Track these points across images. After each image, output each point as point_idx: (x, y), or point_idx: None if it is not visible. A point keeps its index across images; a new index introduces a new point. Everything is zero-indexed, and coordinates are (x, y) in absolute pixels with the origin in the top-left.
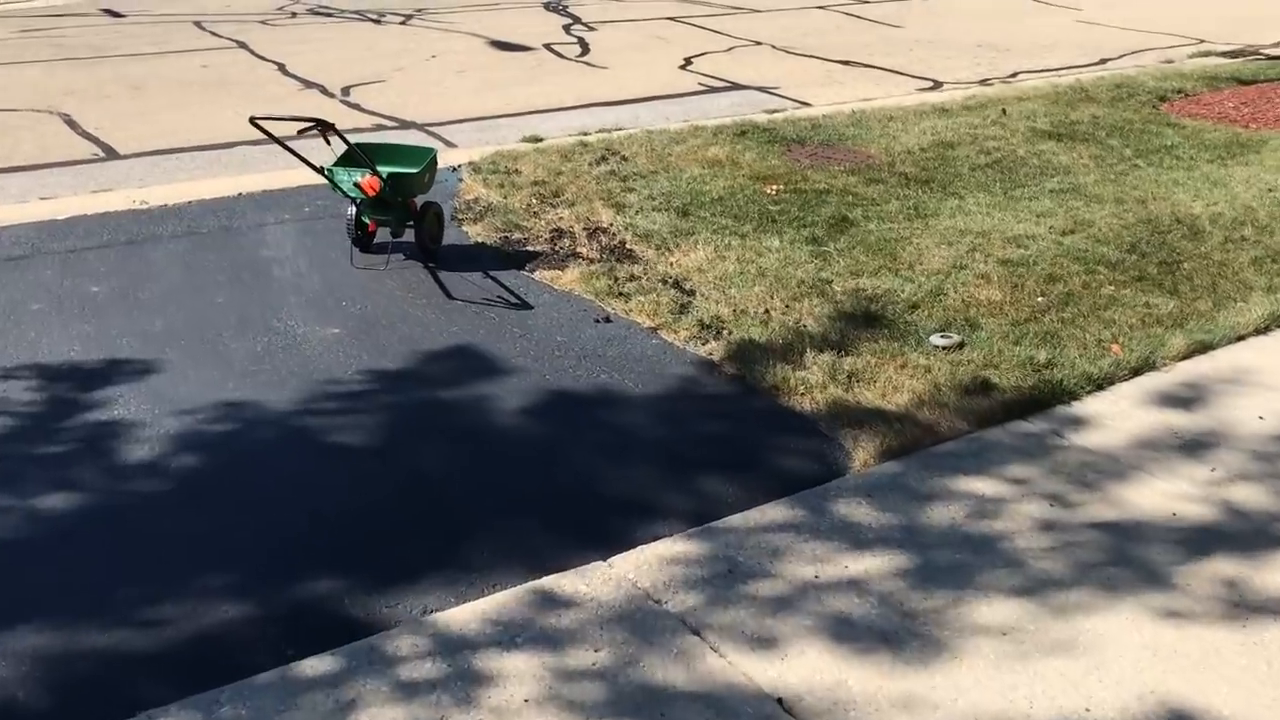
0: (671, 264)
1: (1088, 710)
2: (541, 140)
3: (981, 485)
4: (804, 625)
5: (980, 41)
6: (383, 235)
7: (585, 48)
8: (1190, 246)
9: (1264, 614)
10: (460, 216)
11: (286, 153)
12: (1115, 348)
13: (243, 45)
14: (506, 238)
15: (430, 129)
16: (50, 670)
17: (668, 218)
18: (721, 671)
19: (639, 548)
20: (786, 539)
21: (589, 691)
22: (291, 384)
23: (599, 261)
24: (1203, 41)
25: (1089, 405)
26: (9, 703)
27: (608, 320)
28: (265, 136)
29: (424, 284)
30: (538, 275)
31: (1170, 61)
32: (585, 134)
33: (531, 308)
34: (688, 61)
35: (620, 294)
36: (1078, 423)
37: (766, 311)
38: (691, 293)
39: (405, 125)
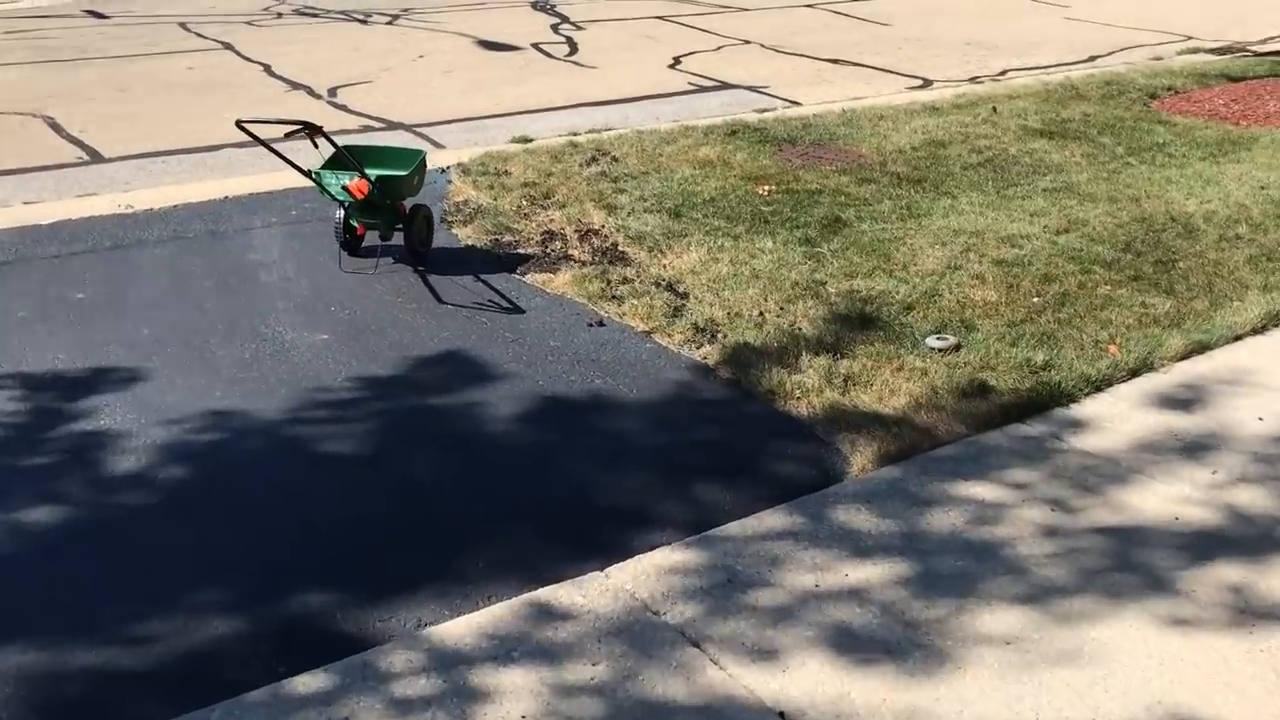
0: (664, 266)
1: None
2: (531, 141)
3: (981, 490)
4: (805, 636)
5: (969, 39)
6: (371, 239)
7: (574, 47)
8: (1185, 245)
9: (1270, 621)
10: (450, 219)
11: (274, 155)
12: (1113, 348)
13: (229, 46)
14: (497, 240)
15: (418, 130)
16: (36, 691)
17: (660, 219)
18: (722, 685)
19: (636, 557)
20: (785, 547)
21: (588, 707)
22: (280, 392)
23: (591, 264)
24: (1190, 38)
25: (1087, 407)
26: None
27: (601, 324)
28: (252, 139)
29: (414, 288)
30: (529, 278)
31: (1159, 58)
32: (575, 134)
33: (523, 312)
34: (677, 61)
35: (613, 297)
36: (1077, 425)
37: (761, 314)
38: (685, 295)
39: (393, 126)
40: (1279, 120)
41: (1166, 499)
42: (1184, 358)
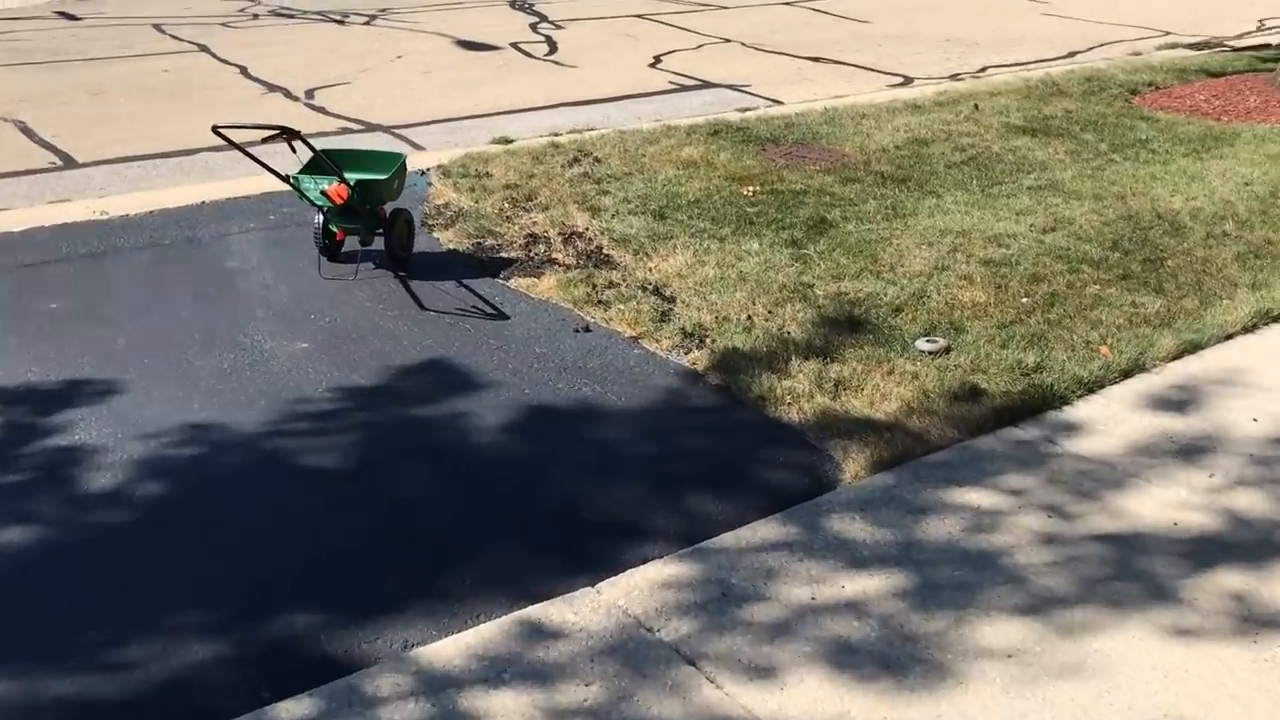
0: (650, 269)
1: None
2: (512, 142)
3: (977, 497)
4: (803, 652)
5: (948, 36)
6: (351, 244)
7: (553, 46)
8: (1173, 243)
9: (1273, 629)
10: (430, 222)
11: (251, 160)
12: (1104, 349)
13: (204, 48)
14: (479, 244)
15: (397, 131)
16: None
17: (644, 221)
18: (719, 704)
19: (628, 571)
20: (780, 558)
21: None
22: (260, 403)
23: (576, 268)
24: (1169, 34)
25: (1080, 410)
26: None
27: (587, 330)
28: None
29: (395, 294)
30: (513, 283)
31: (1138, 54)
32: (556, 135)
33: (508, 318)
34: (657, 59)
35: (599, 302)
36: (1071, 428)
37: (749, 318)
38: (672, 299)
39: (371, 128)
40: (1260, 116)
41: (1164, 504)
42: (1175, 358)
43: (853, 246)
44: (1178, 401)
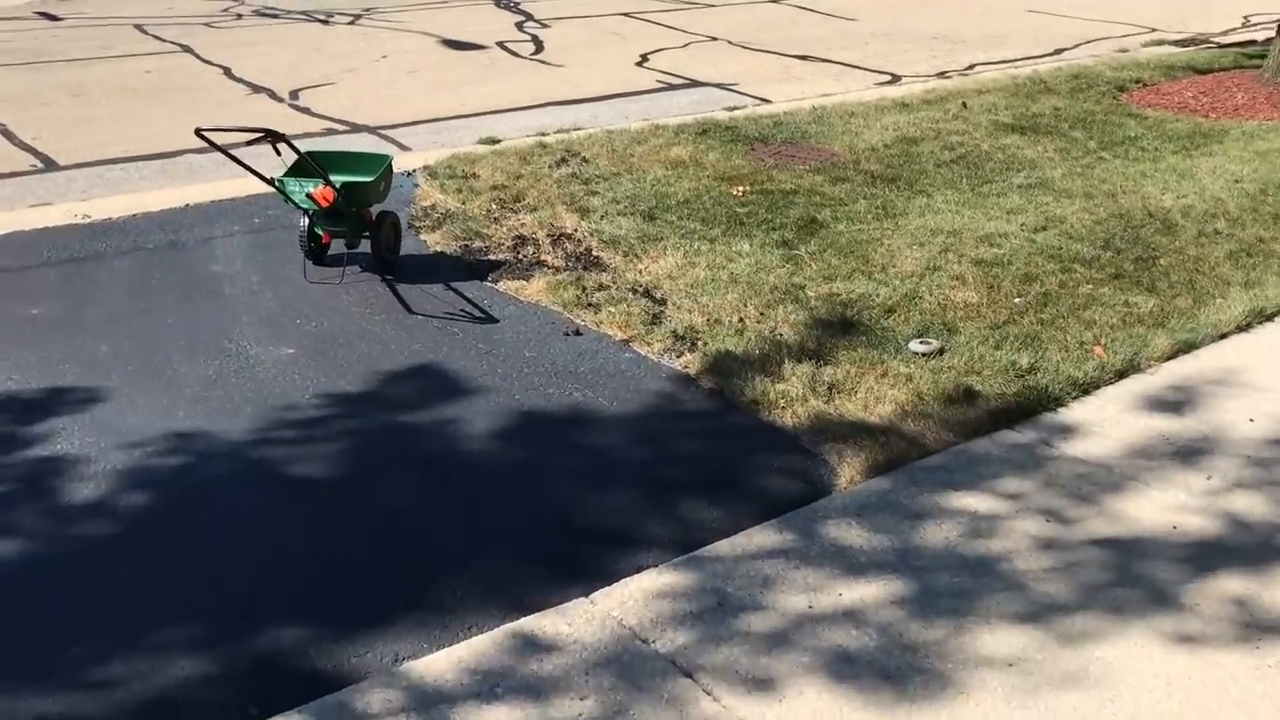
0: (640, 271)
1: None
2: (499, 142)
3: (974, 501)
4: (801, 662)
5: (935, 33)
6: (337, 247)
7: (539, 45)
8: (1165, 241)
9: (1276, 634)
10: (417, 224)
11: (235, 163)
12: (1098, 350)
13: (187, 49)
14: (467, 246)
15: (383, 132)
16: None
17: (634, 222)
18: (717, 717)
19: (623, 581)
20: (776, 566)
21: None
22: (246, 411)
23: (565, 270)
24: (1154, 30)
25: (1076, 412)
26: None
27: (578, 333)
28: (212, 147)
29: (382, 298)
30: (501, 286)
31: (1124, 50)
32: (544, 134)
33: (497, 321)
34: (644, 58)
35: (589, 304)
36: (1067, 431)
37: (741, 320)
38: (663, 302)
39: (357, 129)
40: (1248, 113)
41: (1163, 507)
42: (1170, 358)
43: (844, 247)
44: (1174, 402)
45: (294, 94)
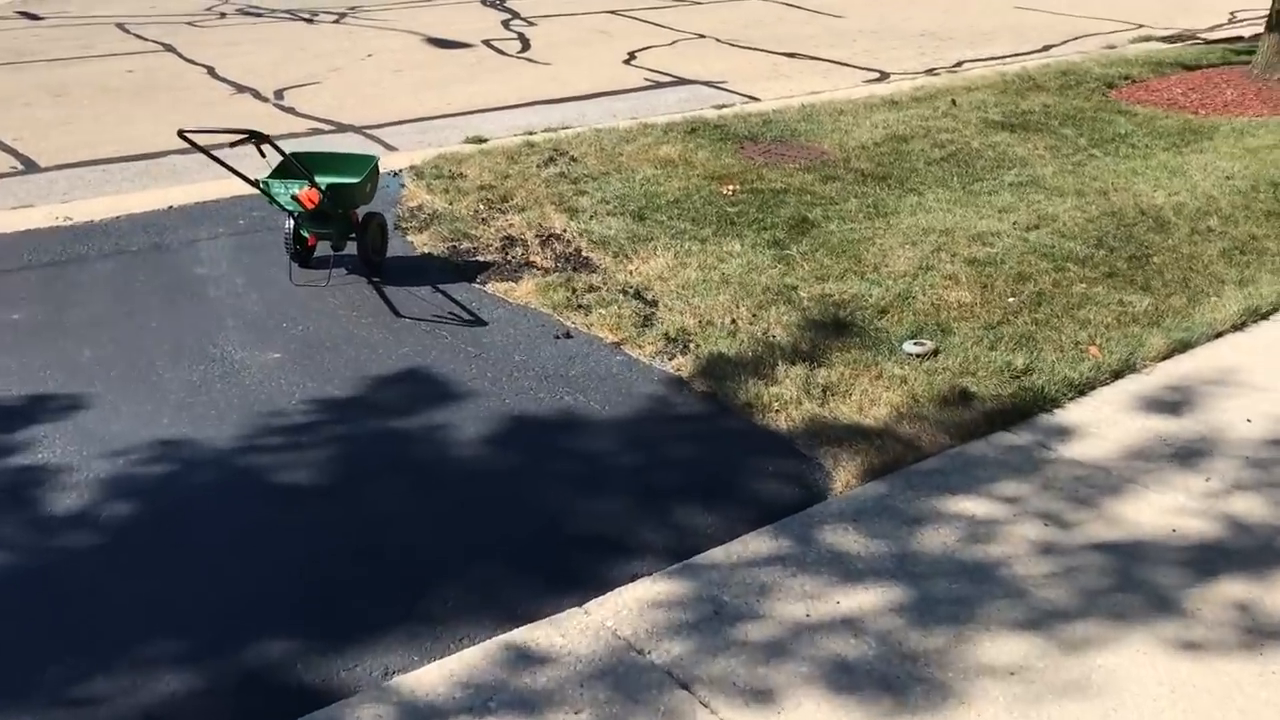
0: (631, 272)
1: None
2: (486, 141)
3: (971, 505)
4: (799, 672)
5: (923, 30)
6: (323, 249)
7: (526, 43)
8: (1158, 239)
9: (1279, 640)
10: (404, 225)
11: (219, 165)
12: (1093, 349)
13: (170, 48)
14: (455, 247)
15: (369, 132)
16: None
17: (623, 222)
18: None
19: (617, 590)
20: (773, 574)
21: None
22: (231, 417)
23: (555, 271)
24: (1141, 26)
25: (1072, 413)
26: None
27: (568, 336)
28: (195, 149)
29: (369, 301)
30: (490, 288)
31: (1112, 47)
32: (531, 133)
33: (486, 324)
34: (631, 56)
35: (579, 306)
36: (1063, 432)
37: (733, 322)
38: (654, 303)
39: (343, 129)
40: (1237, 109)
41: (1162, 510)
42: (1166, 357)
43: (835, 246)
44: (1170, 403)
45: (279, 93)
